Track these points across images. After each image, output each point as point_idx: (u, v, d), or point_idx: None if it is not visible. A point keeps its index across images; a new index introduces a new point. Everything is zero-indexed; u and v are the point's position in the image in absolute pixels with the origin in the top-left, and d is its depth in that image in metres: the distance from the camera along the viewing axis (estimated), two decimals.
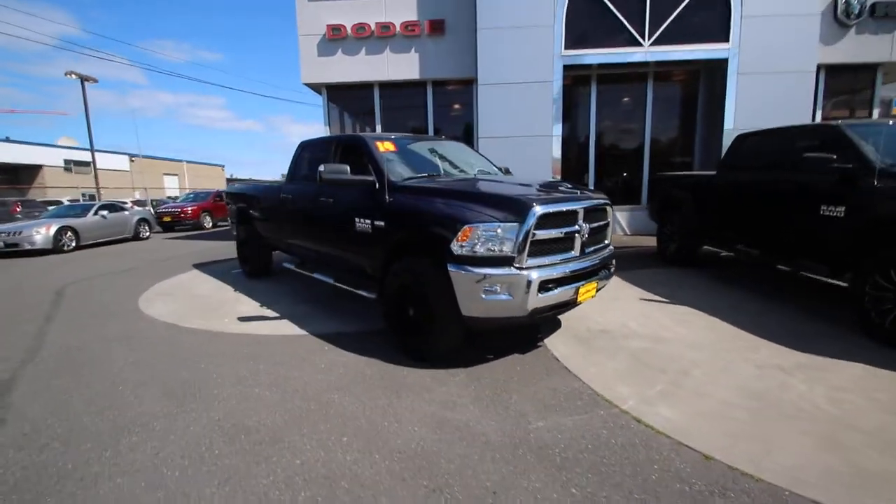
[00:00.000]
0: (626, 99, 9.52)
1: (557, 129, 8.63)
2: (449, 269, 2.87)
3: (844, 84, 9.06)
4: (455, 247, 2.84)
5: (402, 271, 3.24)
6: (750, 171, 4.99)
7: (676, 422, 2.37)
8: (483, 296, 2.79)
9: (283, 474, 2.00)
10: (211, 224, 15.26)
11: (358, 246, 3.74)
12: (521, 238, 2.79)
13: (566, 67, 8.49)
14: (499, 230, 2.78)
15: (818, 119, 8.79)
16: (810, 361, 3.07)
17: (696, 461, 2.05)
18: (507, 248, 2.79)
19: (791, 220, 4.27)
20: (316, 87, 9.74)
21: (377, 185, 3.54)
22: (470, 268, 2.80)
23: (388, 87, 9.52)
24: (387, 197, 3.40)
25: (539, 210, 2.83)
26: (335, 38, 9.00)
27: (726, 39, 8.21)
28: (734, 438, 2.21)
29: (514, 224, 2.79)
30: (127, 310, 4.80)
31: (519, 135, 8.62)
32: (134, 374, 3.12)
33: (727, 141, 8.47)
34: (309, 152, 4.79)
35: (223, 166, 49.05)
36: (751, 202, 4.82)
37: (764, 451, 2.10)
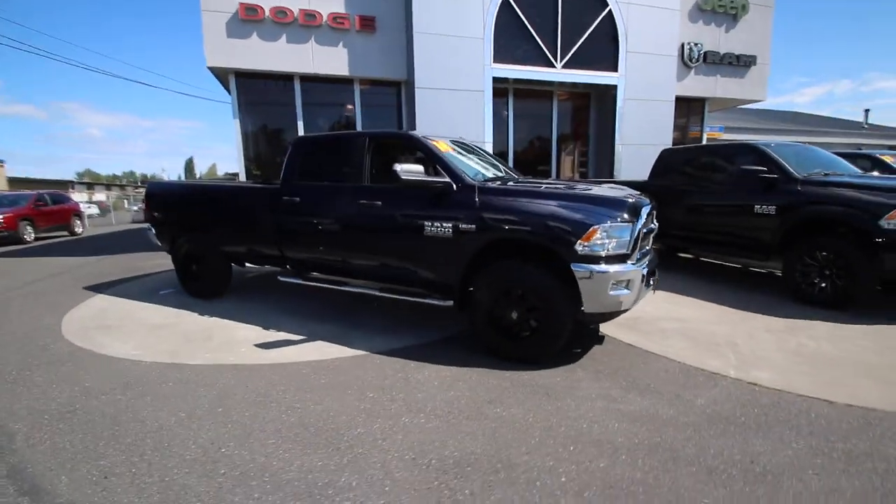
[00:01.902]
0: (535, 112, 10.58)
1: (489, 137, 9.14)
2: (573, 268, 2.96)
3: (686, 112, 11.69)
4: (579, 247, 2.95)
5: (503, 275, 3.18)
6: (682, 179, 6.17)
7: (776, 380, 2.91)
8: (610, 292, 2.96)
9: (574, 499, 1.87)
10: (33, 236, 11.60)
11: (425, 252, 3.50)
12: (634, 236, 3.06)
13: (494, 79, 9.06)
14: (619, 229, 2.99)
15: (671, 138, 11.16)
16: (789, 324, 4.02)
17: (825, 406, 2.59)
18: (624, 246, 3.02)
19: (731, 216, 5.45)
20: (222, 73, 8.37)
21: (455, 187, 3.39)
22: (597, 266, 2.94)
23: (311, 81, 8.75)
24: (476, 199, 3.29)
25: (646, 209, 3.14)
26: (250, 20, 7.88)
27: (616, 69, 9.83)
28: (823, 385, 2.83)
29: (629, 223, 3.03)
30: (66, 351, 3.52)
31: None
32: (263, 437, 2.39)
33: (618, 154, 10.18)
34: (320, 150, 4.20)
35: (3, 162, 36.89)
36: (690, 204, 5.97)
37: (850, 391, 2.77)
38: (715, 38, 11.12)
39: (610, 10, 9.50)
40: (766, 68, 11.82)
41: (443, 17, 8.47)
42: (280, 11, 7.97)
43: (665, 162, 6.62)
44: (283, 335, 3.85)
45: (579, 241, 2.94)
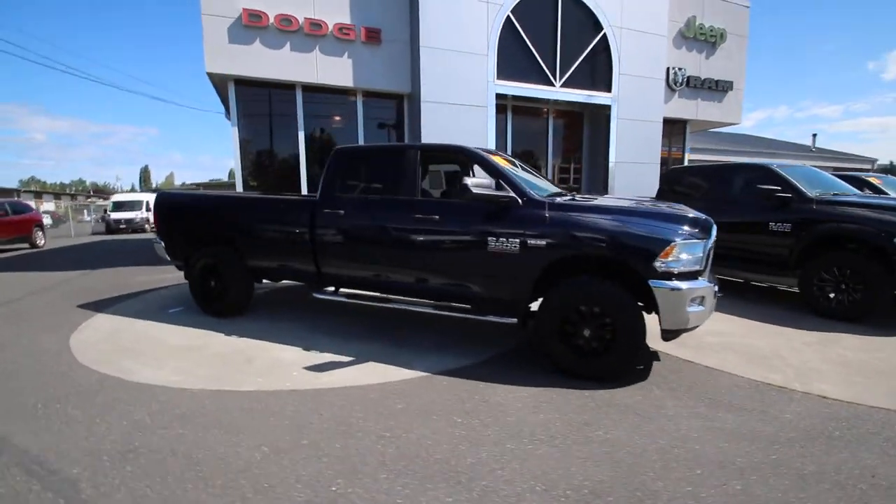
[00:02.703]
0: (532, 129, 10.75)
1: None
2: (652, 285, 2.95)
3: (668, 132, 12.22)
4: (658, 263, 2.95)
5: (578, 292, 3.13)
6: (692, 197, 6.39)
7: (841, 392, 2.97)
8: (688, 308, 2.97)
9: None
10: None
11: (488, 268, 3.40)
12: (706, 252, 3.10)
13: (497, 95, 9.15)
14: (693, 246, 3.02)
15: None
16: (820, 337, 4.17)
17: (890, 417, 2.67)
18: (698, 263, 3.05)
19: (745, 233, 5.65)
20: (220, 80, 8.03)
21: (520, 202, 3.34)
22: (676, 283, 2.95)
23: (313, 91, 8.52)
24: (546, 214, 3.25)
25: (714, 227, 3.19)
26: (253, 26, 7.62)
27: (609, 90, 10.17)
28: (884, 396, 2.92)
29: (702, 240, 3.07)
30: (93, 379, 3.15)
31: None
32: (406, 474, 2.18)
33: (612, 171, 10.48)
34: (365, 161, 4.04)
35: None
36: None
37: None
38: (696, 64, 11.76)
39: (605, 34, 9.86)
40: (740, 94, 12.59)
41: (449, 32, 8.51)
42: (285, 19, 7.76)
43: (674, 180, 6.85)
44: (328, 356, 3.62)
45: (658, 258, 2.95)
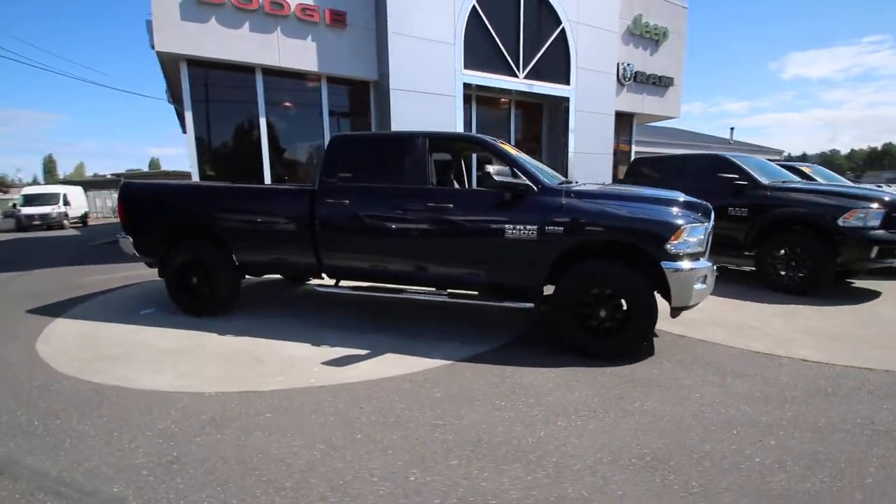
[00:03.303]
0: (495, 119, 10.90)
1: None
2: (664, 266, 3.16)
3: (618, 125, 12.91)
4: (669, 246, 3.16)
5: (594, 275, 3.28)
6: (655, 184, 6.85)
7: (818, 355, 3.34)
8: (696, 286, 3.22)
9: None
10: None
11: (505, 255, 3.47)
12: (707, 235, 3.36)
13: (463, 85, 9.17)
14: (698, 229, 3.27)
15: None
16: (781, 309, 4.67)
17: (869, 373, 3.08)
18: (701, 245, 3.31)
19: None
20: (170, 60, 7.34)
21: (535, 189, 3.42)
22: (684, 264, 3.18)
23: (274, 75, 8.05)
24: (562, 201, 3.35)
25: (712, 211, 3.46)
26: (208, 2, 7.02)
27: (568, 83, 10.55)
28: (853, 357, 3.35)
29: (704, 223, 3.33)
30: (85, 389, 2.83)
31: None
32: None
33: (571, 161, 10.91)
34: (369, 150, 3.91)
35: None
36: None
37: (876, 359, 3.33)
38: (642, 61, 12.49)
39: (563, 28, 10.19)
40: (679, 89, 13.56)
41: (416, 19, 8.38)
42: None
43: (637, 169, 7.29)
44: (341, 350, 3.52)
45: (669, 241, 3.16)
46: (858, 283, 5.82)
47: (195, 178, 7.57)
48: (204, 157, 7.74)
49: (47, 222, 17.95)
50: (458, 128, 9.15)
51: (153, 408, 2.63)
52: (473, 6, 8.99)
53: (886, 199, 5.09)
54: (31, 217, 17.63)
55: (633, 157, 13.68)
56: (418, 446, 2.22)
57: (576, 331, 3.36)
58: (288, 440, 2.28)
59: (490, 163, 3.50)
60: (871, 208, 4.93)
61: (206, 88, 7.70)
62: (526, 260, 3.43)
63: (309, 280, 5.81)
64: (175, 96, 9.87)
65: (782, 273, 5.35)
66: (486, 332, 3.95)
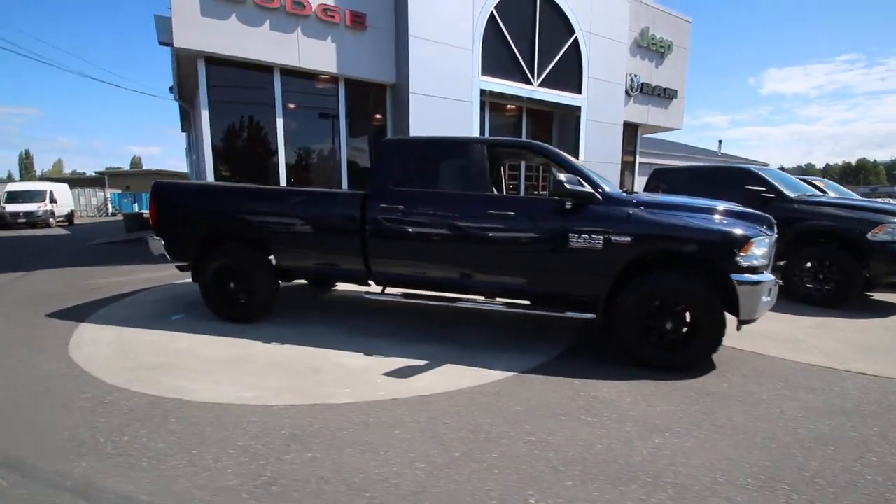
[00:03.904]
0: (507, 126, 10.90)
1: None
2: (734, 278, 3.14)
3: (623, 135, 13.07)
4: (739, 258, 3.15)
5: (662, 287, 3.24)
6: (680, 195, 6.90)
7: (873, 369, 3.37)
8: (764, 299, 3.21)
9: None
10: None
11: (568, 264, 3.40)
12: (771, 247, 3.36)
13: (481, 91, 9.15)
14: (764, 241, 3.26)
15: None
16: (816, 322, 4.71)
17: None
18: (766, 257, 3.30)
19: None
20: (188, 57, 7.12)
21: (600, 198, 3.37)
22: (754, 276, 3.17)
23: (292, 76, 7.90)
24: (629, 211, 3.31)
25: (775, 224, 3.47)
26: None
27: (580, 92, 10.63)
28: None
29: (770, 236, 3.33)
30: (143, 402, 2.65)
31: None
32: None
33: None
34: (425, 155, 3.81)
35: None
36: None
37: None
38: (648, 72, 12.69)
39: (576, 38, 10.28)
40: (683, 101, 13.81)
41: (436, 23, 8.34)
42: None
43: (659, 180, 7.34)
44: (397, 361, 3.40)
45: (739, 253, 3.14)
46: (876, 296, 5.94)
47: (209, 178, 7.35)
48: (219, 157, 7.52)
49: (33, 220, 17.25)
50: (475, 133, 9.11)
51: (224, 422, 2.48)
52: (491, 13, 9.00)
53: None
54: (16, 214, 16.92)
55: (636, 168, 13.88)
56: (523, 465, 2.13)
57: (640, 343, 3.32)
58: (384, 458, 2.16)
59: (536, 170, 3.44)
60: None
61: (223, 87, 7.49)
62: (591, 270, 3.37)
63: (335, 286, 5.68)
64: (185, 94, 9.61)
65: (809, 286, 5.41)
66: (534, 342, 3.88)
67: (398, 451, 2.23)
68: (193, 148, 10.99)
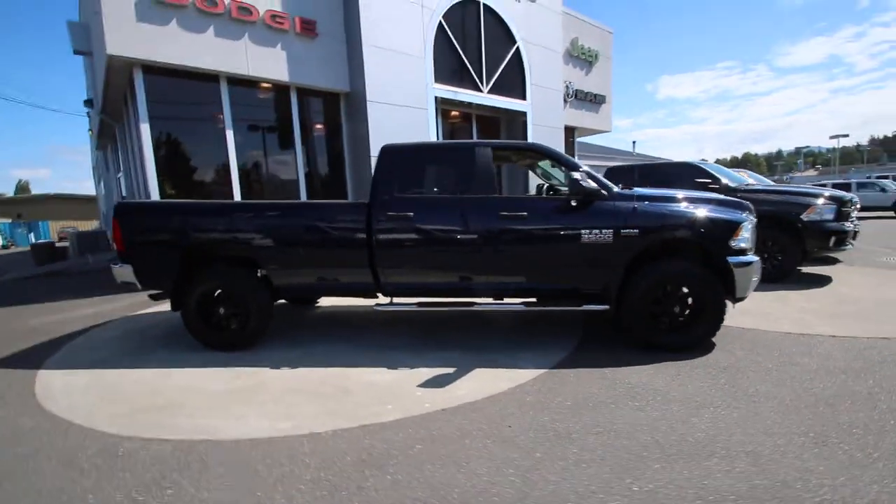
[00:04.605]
0: (458, 132, 11.06)
1: None
2: (731, 261, 3.44)
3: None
4: (733, 242, 3.46)
5: (669, 274, 3.46)
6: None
7: (837, 331, 3.86)
8: (753, 278, 3.54)
9: None
10: None
11: (582, 259, 3.52)
12: (753, 230, 3.72)
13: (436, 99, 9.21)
14: (749, 225, 3.61)
15: None
16: (773, 295, 5.28)
17: (886, 342, 3.62)
18: (751, 240, 3.66)
19: None
20: (122, 66, 6.41)
21: (606, 194, 3.54)
22: (745, 258, 3.50)
23: (239, 85, 7.41)
24: (634, 205, 3.50)
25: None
26: (169, 3, 6.30)
27: (525, 98, 11.08)
28: (860, 330, 3.90)
29: (752, 219, 3.69)
30: (165, 450, 2.32)
31: None
32: None
33: (530, 174, 11.39)
34: (430, 160, 3.74)
35: None
36: None
37: (875, 330, 3.90)
38: (580, 80, 13.55)
39: (518, 47, 10.72)
40: (610, 106, 14.90)
41: (389, 31, 8.29)
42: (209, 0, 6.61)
43: (617, 176, 7.84)
44: (425, 371, 3.31)
45: (732, 237, 3.45)
46: (805, 270, 6.80)
47: (154, 197, 6.65)
48: (162, 174, 6.84)
49: None
50: (433, 139, 9.14)
51: (276, 458, 2.25)
52: (440, 23, 9.12)
53: (829, 194, 6.04)
54: None
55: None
56: (606, 456, 2.16)
57: (651, 328, 3.51)
58: (470, 469, 2.09)
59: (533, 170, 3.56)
60: (825, 205, 5.83)
61: (164, 98, 6.84)
62: (603, 263, 3.52)
63: (318, 302, 5.40)
64: (110, 108, 8.60)
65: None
66: (545, 339, 3.95)
67: (480, 460, 2.16)
68: (122, 166, 9.89)
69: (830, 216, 5.79)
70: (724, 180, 6.54)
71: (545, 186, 4.84)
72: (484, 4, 9.80)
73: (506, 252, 3.58)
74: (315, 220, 3.72)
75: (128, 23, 6.02)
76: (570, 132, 14.10)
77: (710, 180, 6.52)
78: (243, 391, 3.07)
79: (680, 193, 3.91)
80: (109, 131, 10.37)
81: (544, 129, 11.48)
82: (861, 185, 17.62)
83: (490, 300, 3.87)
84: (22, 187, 65.97)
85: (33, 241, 24.63)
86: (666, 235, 3.50)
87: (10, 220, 26.63)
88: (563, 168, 3.77)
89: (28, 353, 4.08)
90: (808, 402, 2.63)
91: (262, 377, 3.30)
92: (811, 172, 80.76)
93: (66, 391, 3.18)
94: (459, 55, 9.60)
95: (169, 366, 3.58)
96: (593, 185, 3.40)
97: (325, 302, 5.46)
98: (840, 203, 5.86)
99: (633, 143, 35.85)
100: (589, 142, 34.33)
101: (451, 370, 3.31)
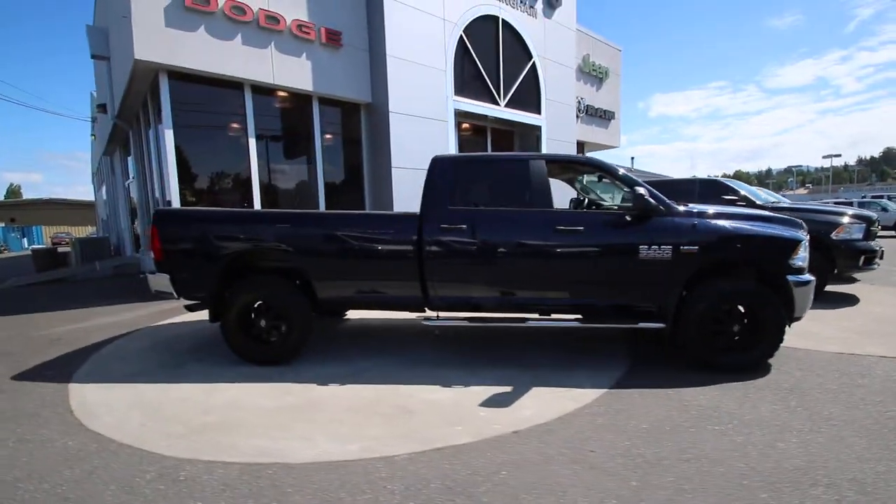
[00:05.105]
0: (473, 144, 11.05)
1: None
2: (790, 280, 3.39)
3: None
4: (792, 261, 3.41)
5: (729, 293, 3.39)
6: None
7: (887, 351, 3.86)
8: (810, 296, 3.49)
9: None
10: None
11: (640, 276, 3.45)
12: (807, 248, 3.68)
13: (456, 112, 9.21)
14: (806, 244, 3.57)
15: None
16: (811, 314, 5.22)
17: None
18: (807, 259, 3.61)
19: None
20: (147, 71, 6.33)
21: (664, 210, 3.49)
22: (803, 276, 3.45)
23: (262, 93, 7.35)
24: (694, 222, 3.45)
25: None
26: (198, 10, 6.25)
27: (539, 112, 11.14)
28: None
29: (806, 238, 3.65)
30: (234, 475, 2.18)
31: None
32: None
33: None
34: (484, 172, 3.67)
35: None
36: None
37: None
38: (591, 96, 13.68)
39: (534, 62, 10.81)
40: (619, 122, 15.04)
41: (411, 44, 8.30)
42: (237, 7, 6.57)
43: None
44: (481, 390, 3.19)
45: (792, 256, 3.41)
46: (828, 289, 6.79)
47: (175, 204, 6.52)
48: (184, 181, 6.72)
49: None
50: (453, 150, 9.12)
51: (356, 482, 2.12)
52: (461, 36, 9.17)
53: (853, 213, 6.06)
54: None
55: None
56: (706, 483, 2.06)
57: (710, 347, 3.43)
58: (570, 499, 1.97)
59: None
60: (854, 223, 5.84)
61: (188, 104, 6.76)
62: (661, 280, 3.45)
63: (346, 315, 5.27)
64: (126, 113, 8.48)
65: None
66: (593, 356, 3.86)
67: (576, 489, 2.05)
68: (134, 172, 9.73)
69: (860, 235, 5.79)
70: (751, 197, 6.55)
71: (584, 201, 4.80)
72: (503, 20, 9.89)
73: (561, 267, 3.51)
74: (366, 230, 3.63)
75: (156, 28, 5.96)
76: (580, 147, 14.18)
77: (736, 197, 6.52)
78: (297, 409, 2.94)
79: (735, 210, 3.88)
80: (121, 136, 10.24)
81: (557, 143, 11.53)
82: (862, 205, 17.86)
83: (538, 316, 3.78)
84: (13, 191, 65.16)
85: (26, 246, 24.14)
86: (726, 253, 3.44)
87: (2, 225, 26.13)
88: (617, 183, 3.71)
89: (53, 364, 3.91)
90: (887, 427, 2.56)
91: (313, 395, 3.16)
92: (802, 191, 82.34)
93: (106, 407, 3.02)
94: (479, 69, 9.64)
95: (208, 380, 3.43)
96: (654, 201, 3.35)
97: (353, 315, 5.34)
98: (868, 222, 5.88)
99: (632, 158, 36.38)
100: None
101: (507, 389, 3.20)
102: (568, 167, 4.11)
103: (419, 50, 8.40)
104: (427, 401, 3.04)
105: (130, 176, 10.48)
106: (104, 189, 16.76)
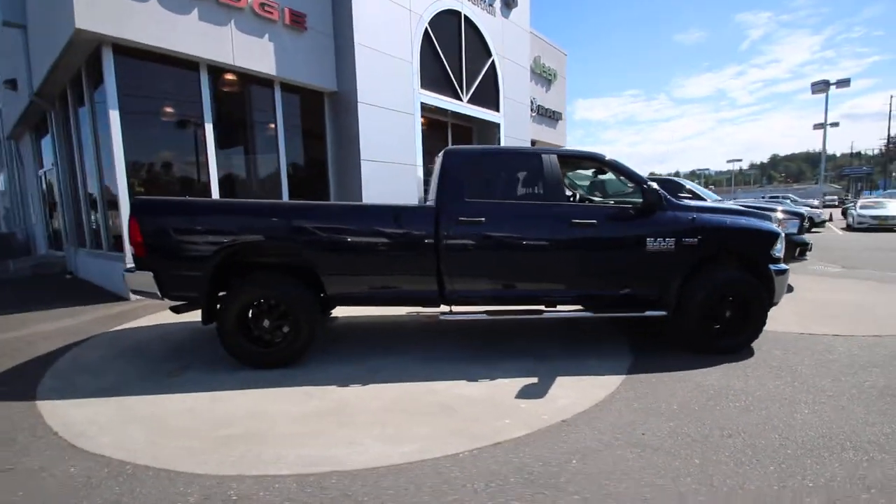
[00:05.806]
0: (435, 138, 10.96)
1: (420, 160, 9.04)
2: (771, 269, 3.76)
3: None
4: (773, 252, 3.78)
5: (725, 282, 3.67)
6: None
7: (839, 330, 4.41)
8: (786, 283, 3.89)
9: None
10: None
11: (647, 267, 3.63)
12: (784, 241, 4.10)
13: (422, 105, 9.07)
14: (783, 236, 3.97)
15: None
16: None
17: (885, 338, 4.17)
18: (782, 249, 4.02)
19: None
20: (86, 42, 5.51)
21: (666, 205, 3.70)
22: (782, 266, 3.83)
23: (220, 74, 6.73)
24: (693, 216, 3.69)
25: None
26: None
27: (498, 109, 11.32)
28: (855, 329, 4.47)
29: (783, 230, 4.06)
30: (292, 486, 1.98)
31: (396, 161, 8.40)
32: None
33: None
34: (498, 166, 3.63)
35: None
36: None
37: (863, 328, 4.49)
38: (541, 96, 14.17)
39: (493, 60, 10.96)
40: (565, 123, 15.73)
41: (379, 33, 8.05)
42: None
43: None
44: (508, 382, 3.20)
45: (773, 247, 3.78)
46: None
47: (122, 194, 5.78)
48: (133, 172, 5.98)
49: None
50: (418, 146, 9.00)
51: (434, 485, 2.02)
52: (426, 29, 9.05)
53: (784, 209, 6.87)
54: None
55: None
56: (760, 457, 2.23)
57: (708, 332, 3.71)
58: (649, 481, 2.03)
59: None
60: (789, 219, 6.60)
61: (134, 84, 6.00)
62: (665, 270, 3.66)
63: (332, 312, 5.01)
64: (48, 90, 7.29)
65: None
66: (597, 344, 4.02)
67: (648, 471, 2.12)
68: (54, 158, 8.47)
69: (794, 230, 6.56)
70: (701, 195, 7.17)
71: (572, 196, 4.96)
72: (465, 16, 9.91)
73: (577, 259, 3.60)
74: (381, 223, 3.46)
75: None
76: (532, 146, 14.63)
77: (690, 196, 7.09)
78: (328, 413, 2.74)
79: (720, 205, 4.21)
80: (34, 118, 8.85)
81: (514, 141, 11.81)
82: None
83: (548, 309, 3.85)
84: None
85: None
86: (722, 244, 3.73)
87: None
88: (623, 178, 3.88)
89: (3, 380, 3.30)
90: (872, 395, 2.92)
91: (337, 396, 2.97)
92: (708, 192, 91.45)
93: (96, 426, 2.61)
94: (443, 63, 9.58)
95: (208, 389, 3.10)
96: (666, 196, 3.54)
97: (339, 311, 5.09)
98: (801, 218, 6.69)
99: None
100: None
101: (534, 380, 3.23)
102: (576, 163, 4.23)
103: (386, 40, 8.17)
104: (460, 396, 2.98)
105: (47, 164, 9.12)
106: (1, 178, 14.45)
